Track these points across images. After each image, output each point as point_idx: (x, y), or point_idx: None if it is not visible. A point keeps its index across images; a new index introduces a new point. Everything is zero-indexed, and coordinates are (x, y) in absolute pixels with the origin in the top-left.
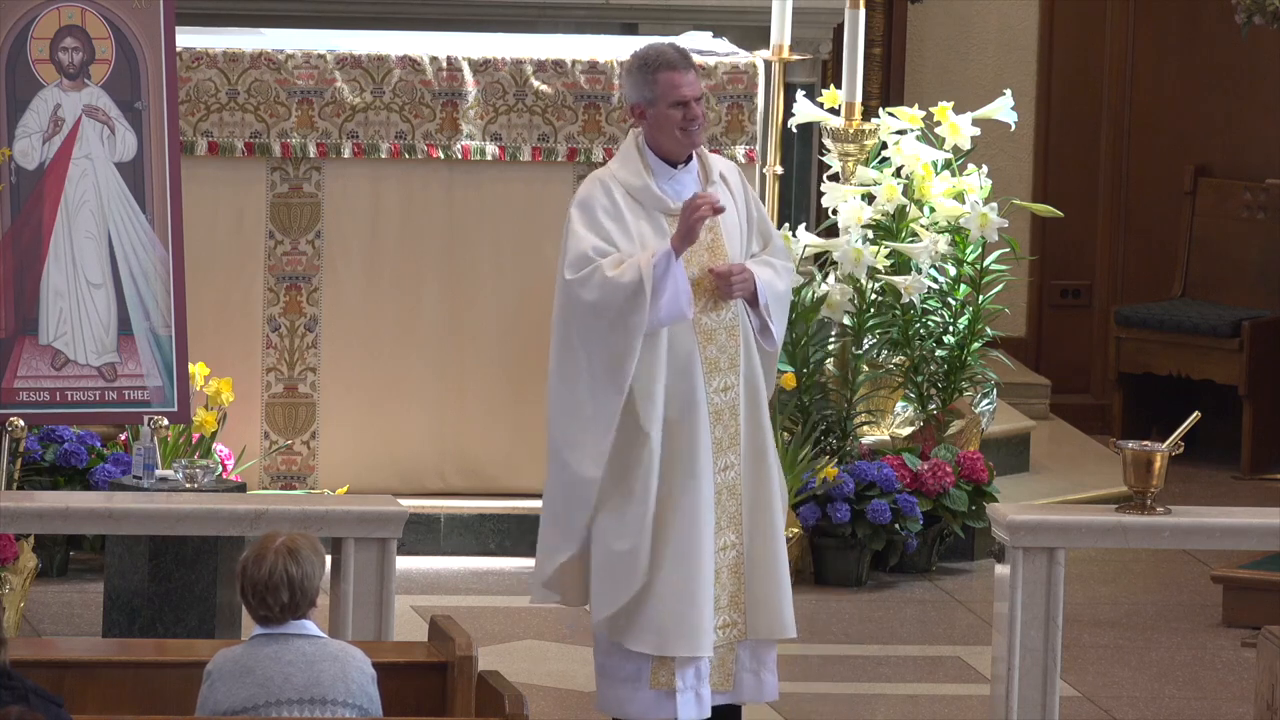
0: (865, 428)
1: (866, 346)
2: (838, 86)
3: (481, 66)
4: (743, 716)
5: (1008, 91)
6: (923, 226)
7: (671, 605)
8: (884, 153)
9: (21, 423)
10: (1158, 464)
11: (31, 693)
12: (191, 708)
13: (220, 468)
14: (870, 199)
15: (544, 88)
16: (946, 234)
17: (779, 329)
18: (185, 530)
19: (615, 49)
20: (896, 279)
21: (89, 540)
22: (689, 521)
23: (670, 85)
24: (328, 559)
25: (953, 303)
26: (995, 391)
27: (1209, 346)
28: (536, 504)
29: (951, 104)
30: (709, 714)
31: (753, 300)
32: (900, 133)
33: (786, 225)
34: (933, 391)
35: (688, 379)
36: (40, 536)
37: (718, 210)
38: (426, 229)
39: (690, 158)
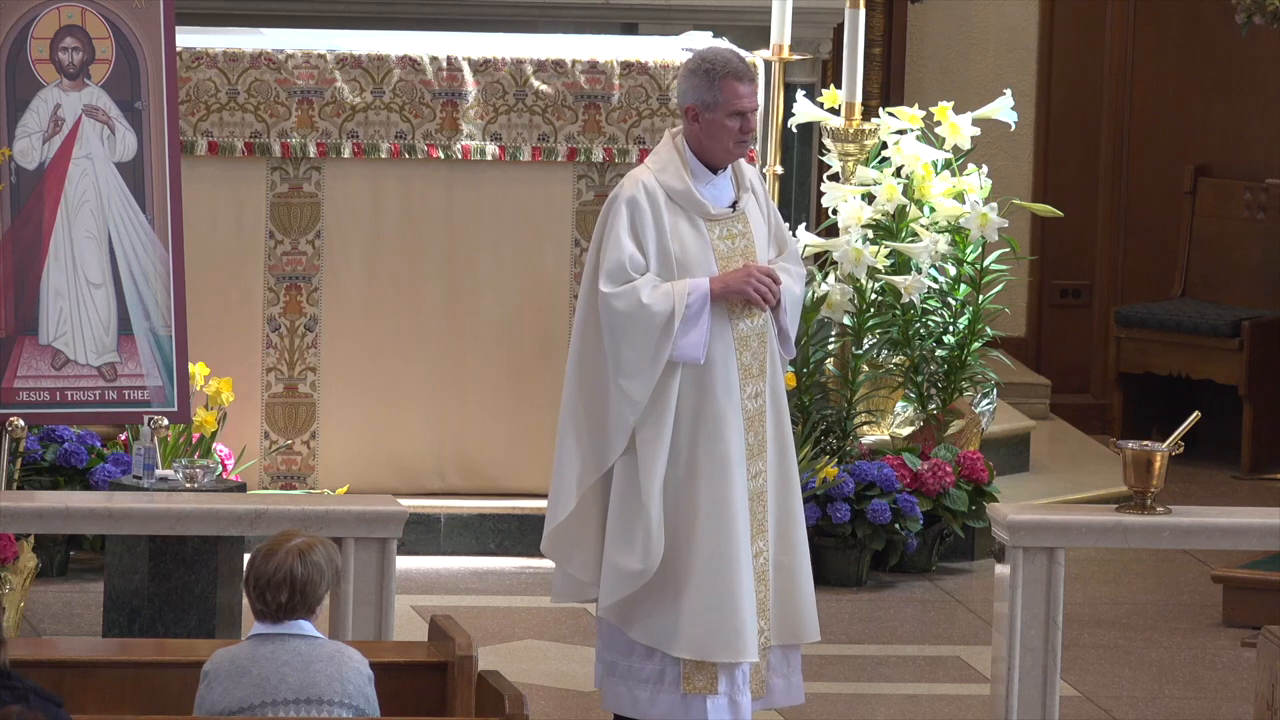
0: (865, 428)
1: (866, 346)
2: (838, 86)
3: (481, 66)
4: None
5: (1008, 91)
6: (923, 226)
7: (712, 611)
8: (884, 153)
9: (21, 423)
10: (1158, 464)
11: (31, 692)
12: (191, 708)
13: (220, 468)
14: (870, 199)
15: (544, 88)
16: (946, 234)
17: (794, 335)
18: (185, 530)
19: (615, 49)
20: (896, 279)
21: (89, 540)
22: (724, 528)
23: (734, 94)
24: (340, 569)
25: (953, 303)
26: (995, 391)
27: (1209, 346)
28: (536, 504)
29: (951, 104)
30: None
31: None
32: (900, 133)
33: (786, 225)
34: (933, 391)
35: (727, 385)
36: (40, 536)
37: (770, 297)
38: (426, 229)
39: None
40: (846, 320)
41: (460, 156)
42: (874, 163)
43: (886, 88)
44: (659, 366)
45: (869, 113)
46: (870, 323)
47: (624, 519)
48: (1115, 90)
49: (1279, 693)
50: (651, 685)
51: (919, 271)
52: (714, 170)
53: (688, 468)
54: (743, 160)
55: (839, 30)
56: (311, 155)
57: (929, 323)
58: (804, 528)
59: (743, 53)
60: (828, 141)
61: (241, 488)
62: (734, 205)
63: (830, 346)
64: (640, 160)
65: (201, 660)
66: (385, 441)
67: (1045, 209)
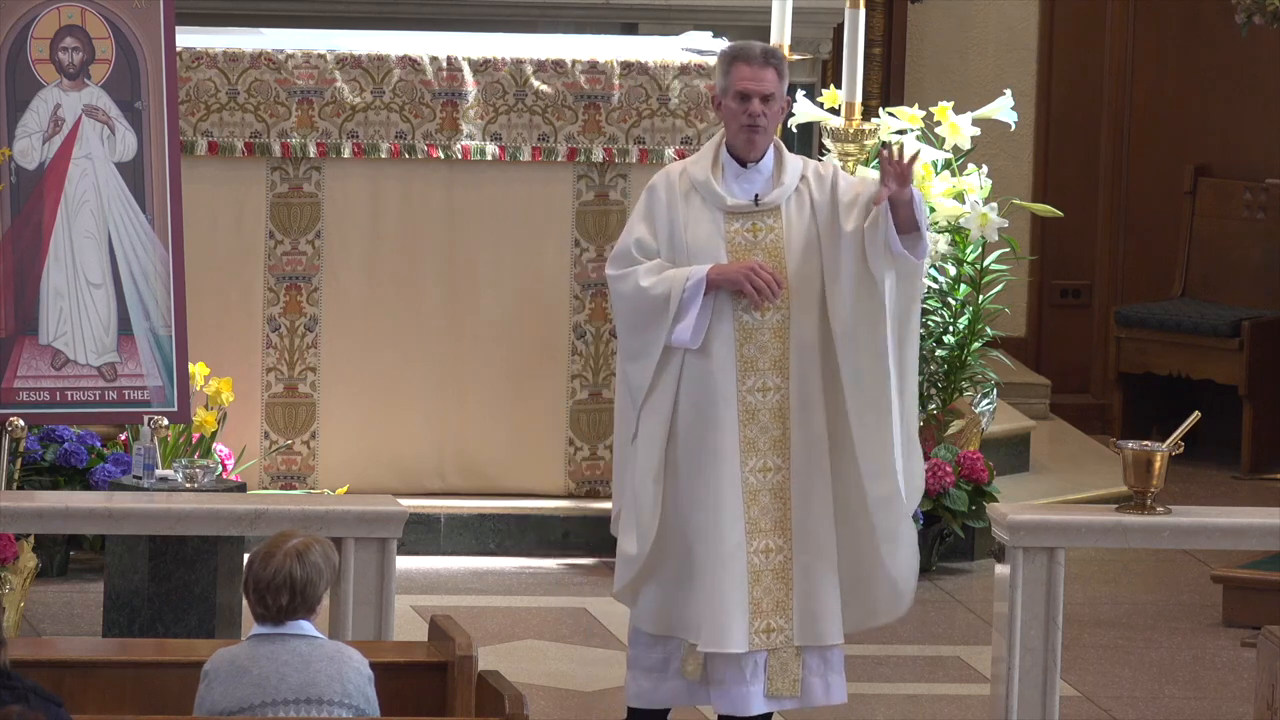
0: None
1: None
2: (838, 86)
3: (481, 66)
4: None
5: (1008, 91)
6: None
7: (699, 600)
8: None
9: (21, 423)
10: (1158, 464)
11: (31, 692)
12: (191, 708)
13: (220, 468)
14: None
15: (544, 88)
16: (946, 234)
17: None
18: (185, 530)
19: (615, 49)
20: None
21: (89, 540)
22: (707, 519)
23: (738, 76)
24: (337, 567)
25: (953, 303)
26: (995, 391)
27: (1209, 346)
28: (536, 504)
29: (951, 104)
30: (751, 713)
31: (905, 216)
32: (900, 133)
33: None
34: (933, 391)
35: (719, 375)
36: (40, 536)
37: (768, 294)
38: (426, 229)
39: (764, 156)
40: None
41: (460, 156)
42: (874, 163)
43: (886, 88)
44: (657, 350)
45: (869, 113)
46: None
47: (630, 504)
48: (1115, 90)
49: (1279, 693)
50: (656, 674)
51: None
52: (744, 163)
53: (683, 455)
54: (801, 158)
55: (839, 30)
56: (311, 155)
57: (929, 323)
58: (833, 531)
59: (700, 37)
60: (828, 141)
61: (241, 488)
62: (757, 199)
63: None
64: (640, 161)
65: (201, 660)
66: (385, 441)
67: (1045, 209)
